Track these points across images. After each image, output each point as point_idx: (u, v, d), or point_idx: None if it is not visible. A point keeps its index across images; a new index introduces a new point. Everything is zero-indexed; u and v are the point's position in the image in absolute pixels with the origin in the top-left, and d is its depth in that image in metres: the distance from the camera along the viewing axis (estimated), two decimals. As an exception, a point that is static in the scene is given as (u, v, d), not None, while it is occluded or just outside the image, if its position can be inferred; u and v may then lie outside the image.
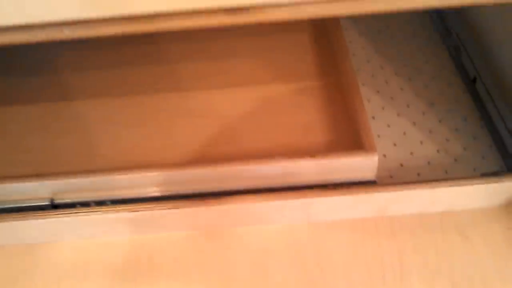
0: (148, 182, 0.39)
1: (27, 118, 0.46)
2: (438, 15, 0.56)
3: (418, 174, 0.43)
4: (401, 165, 0.43)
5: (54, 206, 0.38)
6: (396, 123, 0.47)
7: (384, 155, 0.44)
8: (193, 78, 0.48)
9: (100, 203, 0.39)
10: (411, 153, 0.44)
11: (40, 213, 0.38)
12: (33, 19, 0.25)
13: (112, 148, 0.43)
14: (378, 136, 0.46)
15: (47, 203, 0.38)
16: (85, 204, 0.39)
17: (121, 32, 0.27)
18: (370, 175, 0.39)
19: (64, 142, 0.43)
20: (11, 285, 0.36)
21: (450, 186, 0.38)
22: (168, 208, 0.37)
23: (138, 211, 0.37)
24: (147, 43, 0.51)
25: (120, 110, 0.46)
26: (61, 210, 0.38)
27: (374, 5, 0.27)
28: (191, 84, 0.47)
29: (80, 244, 0.38)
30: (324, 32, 0.52)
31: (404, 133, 0.46)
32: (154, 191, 0.39)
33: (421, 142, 0.45)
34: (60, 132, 0.44)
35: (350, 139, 0.42)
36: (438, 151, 0.44)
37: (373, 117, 0.47)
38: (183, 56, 0.50)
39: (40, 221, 0.38)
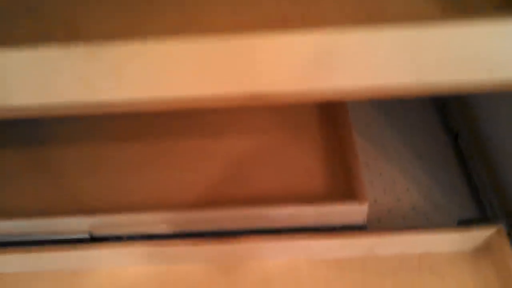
0: (168, 220, 0.46)
1: (67, 159, 0.53)
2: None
3: (403, 219, 0.49)
4: (389, 210, 0.50)
5: (92, 239, 0.46)
6: (387, 172, 0.54)
7: (375, 201, 0.51)
8: (206, 127, 0.55)
9: (131, 237, 0.46)
10: (398, 200, 0.51)
11: (79, 245, 0.45)
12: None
13: (134, 187, 0.50)
14: (371, 182, 0.53)
15: (87, 236, 0.46)
16: (118, 238, 0.46)
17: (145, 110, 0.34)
18: (360, 220, 0.46)
19: (96, 180, 0.51)
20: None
21: (429, 233, 0.45)
22: (189, 245, 0.44)
23: (162, 246, 0.45)
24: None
25: (138, 154, 0.53)
26: (98, 242, 0.45)
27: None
28: (205, 132, 0.55)
29: (114, 272, 0.45)
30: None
31: (394, 181, 0.53)
32: (174, 229, 0.46)
33: (408, 190, 0.52)
34: (92, 172, 0.52)
35: (345, 186, 0.49)
36: (421, 198, 0.51)
37: (367, 165, 0.54)
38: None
39: (80, 252, 0.45)
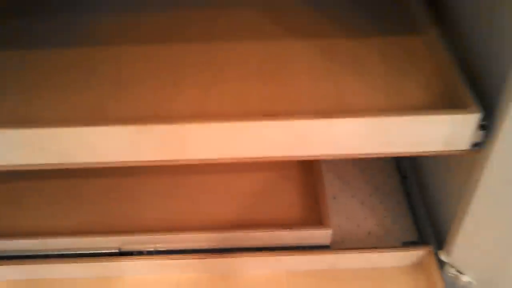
0: (178, 239, 0.60)
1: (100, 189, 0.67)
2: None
3: (360, 241, 0.64)
4: (350, 234, 0.64)
5: (121, 254, 0.59)
6: (350, 203, 0.68)
7: (339, 226, 0.65)
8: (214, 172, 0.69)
9: (150, 252, 0.60)
10: (358, 226, 0.65)
11: (111, 258, 0.58)
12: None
13: (153, 214, 0.64)
14: (337, 211, 0.67)
15: (116, 251, 0.59)
16: (140, 252, 0.60)
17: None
18: (326, 241, 0.60)
19: (123, 208, 0.64)
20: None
21: (378, 252, 0.59)
22: (196, 258, 0.58)
23: (174, 259, 0.58)
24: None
25: (157, 187, 0.67)
26: (125, 256, 0.59)
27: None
28: (211, 172, 0.69)
29: (138, 279, 0.58)
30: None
31: (355, 211, 0.67)
32: (183, 246, 0.60)
33: (365, 218, 0.66)
34: (121, 200, 0.65)
35: (315, 215, 0.63)
36: (376, 225, 0.65)
37: (334, 197, 0.69)
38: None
39: (111, 263, 0.58)
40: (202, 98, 0.48)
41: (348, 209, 0.67)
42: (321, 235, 0.60)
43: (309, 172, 0.68)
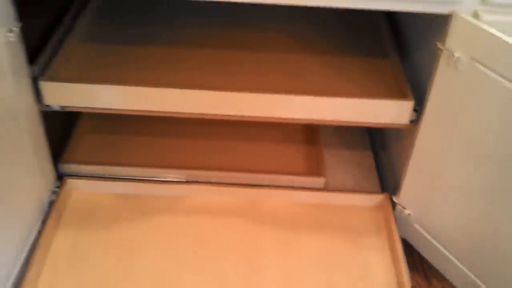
0: (223, 176, 0.92)
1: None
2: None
3: (342, 187, 0.95)
4: (337, 181, 0.96)
5: (187, 182, 0.91)
6: (337, 161, 0.99)
7: (330, 176, 0.97)
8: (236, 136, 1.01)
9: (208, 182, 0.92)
10: (342, 177, 0.97)
11: (180, 184, 0.90)
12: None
13: (208, 156, 0.96)
14: (329, 166, 0.98)
15: (184, 180, 0.91)
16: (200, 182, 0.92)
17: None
18: (320, 185, 0.92)
19: (193, 149, 0.97)
20: (169, 219, 0.88)
21: (353, 193, 0.91)
22: (235, 187, 0.90)
23: (221, 187, 0.90)
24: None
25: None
26: (190, 182, 0.91)
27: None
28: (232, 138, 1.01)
29: (198, 199, 0.90)
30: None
31: (340, 167, 0.98)
32: (226, 180, 0.92)
33: (347, 172, 0.98)
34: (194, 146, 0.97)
35: (314, 168, 0.95)
36: (353, 176, 0.97)
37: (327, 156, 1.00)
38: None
39: (180, 186, 0.90)
40: (251, 80, 0.81)
41: (336, 165, 0.98)
42: (317, 181, 0.92)
43: (312, 138, 1.00)
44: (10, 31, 0.68)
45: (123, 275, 0.78)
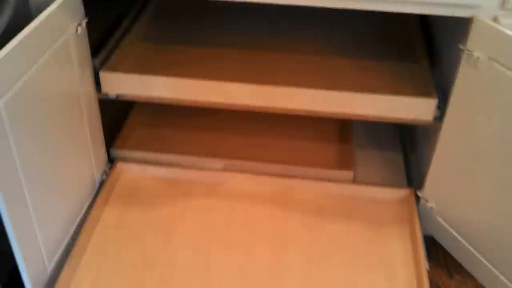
0: (257, 166, 0.99)
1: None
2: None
3: (370, 180, 1.00)
4: (366, 175, 1.01)
5: (224, 169, 0.99)
6: (367, 156, 1.05)
7: (359, 169, 1.02)
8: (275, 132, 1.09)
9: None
10: (371, 170, 1.02)
11: (218, 172, 0.99)
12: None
13: (242, 146, 1.03)
14: (359, 160, 1.04)
15: (222, 167, 0.99)
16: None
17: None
18: (349, 178, 0.98)
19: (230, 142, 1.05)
20: (206, 202, 0.96)
21: (380, 187, 0.96)
22: (267, 176, 0.97)
23: (255, 175, 0.97)
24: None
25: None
26: (227, 171, 0.99)
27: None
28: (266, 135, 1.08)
29: (235, 185, 0.98)
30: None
31: (370, 161, 1.03)
32: (260, 170, 0.99)
33: (376, 166, 1.03)
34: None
35: (344, 161, 1.01)
36: (381, 171, 1.02)
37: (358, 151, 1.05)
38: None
39: (218, 173, 0.98)
40: (288, 77, 0.89)
41: (366, 163, 1.04)
42: (346, 174, 0.98)
43: (344, 137, 1.07)
44: (79, 25, 0.79)
45: (161, 245, 0.87)
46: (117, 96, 0.90)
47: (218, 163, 1.00)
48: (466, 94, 0.76)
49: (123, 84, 0.89)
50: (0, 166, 0.64)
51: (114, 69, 0.90)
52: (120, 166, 1.00)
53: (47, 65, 0.72)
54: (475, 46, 0.72)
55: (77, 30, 0.78)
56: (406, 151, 1.08)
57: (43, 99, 0.73)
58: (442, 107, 0.83)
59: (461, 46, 0.75)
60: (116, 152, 1.03)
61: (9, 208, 0.67)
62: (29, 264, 0.73)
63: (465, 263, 0.89)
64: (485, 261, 0.84)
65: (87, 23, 0.82)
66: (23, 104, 0.67)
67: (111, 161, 1.01)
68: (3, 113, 0.63)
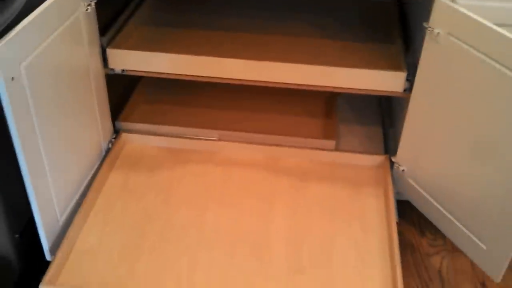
0: (249, 137, 1.10)
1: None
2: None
3: (350, 147, 1.11)
4: (346, 143, 1.12)
5: (219, 140, 1.10)
6: (348, 125, 1.15)
7: (341, 138, 1.13)
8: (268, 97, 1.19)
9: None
10: (350, 139, 1.13)
11: (214, 142, 1.09)
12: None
13: (235, 118, 1.14)
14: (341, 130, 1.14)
15: (216, 138, 1.10)
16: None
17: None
18: (331, 147, 1.08)
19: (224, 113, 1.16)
20: (203, 168, 1.07)
21: (358, 153, 1.07)
22: (257, 145, 1.08)
23: (247, 144, 1.08)
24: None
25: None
26: (222, 140, 1.09)
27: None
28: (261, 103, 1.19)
29: (229, 154, 1.08)
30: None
31: (350, 130, 1.14)
32: (251, 140, 1.10)
33: (354, 135, 1.13)
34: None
35: (327, 131, 1.11)
36: (359, 139, 1.12)
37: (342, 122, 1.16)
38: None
39: (213, 143, 1.09)
40: (277, 55, 0.99)
41: (349, 135, 1.15)
42: (329, 143, 1.08)
43: (328, 112, 1.17)
44: (89, 4, 0.90)
45: (161, 204, 0.97)
46: (122, 71, 1.01)
47: (214, 134, 1.11)
48: (430, 66, 0.87)
49: (128, 60, 0.99)
50: (20, 123, 0.74)
51: (120, 46, 1.01)
52: (124, 136, 1.11)
53: (61, 37, 0.82)
54: (436, 24, 0.83)
55: (87, 9, 0.89)
56: (385, 126, 1.19)
57: (58, 68, 0.83)
58: (411, 80, 0.93)
59: (425, 24, 0.85)
60: (121, 125, 1.13)
61: (29, 163, 0.77)
62: (44, 215, 0.84)
63: (434, 220, 0.99)
64: (451, 217, 0.94)
65: (96, 6, 0.92)
66: (40, 70, 0.78)
67: (117, 132, 1.11)
68: (24, 75, 0.73)
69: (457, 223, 0.92)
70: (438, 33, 0.83)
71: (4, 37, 0.68)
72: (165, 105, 1.20)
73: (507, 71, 0.74)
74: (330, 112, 1.18)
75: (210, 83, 1.01)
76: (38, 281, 0.82)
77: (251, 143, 1.09)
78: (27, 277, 0.91)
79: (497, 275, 0.86)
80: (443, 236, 1.05)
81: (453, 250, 1.05)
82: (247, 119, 1.16)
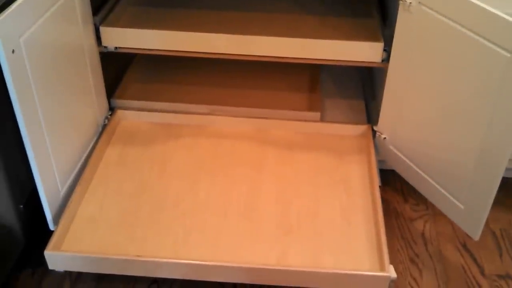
0: (238, 110, 1.15)
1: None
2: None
3: (333, 119, 1.17)
4: (331, 116, 1.17)
5: (209, 114, 1.15)
6: (331, 97, 1.21)
7: (325, 111, 1.18)
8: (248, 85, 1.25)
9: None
10: (333, 110, 1.18)
11: (205, 115, 1.15)
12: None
13: (225, 93, 1.19)
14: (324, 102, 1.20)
15: (207, 111, 1.15)
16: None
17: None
18: (316, 119, 1.14)
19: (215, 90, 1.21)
20: (195, 140, 1.12)
21: (342, 124, 1.13)
22: (245, 118, 1.13)
23: (236, 117, 1.13)
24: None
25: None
26: (212, 115, 1.15)
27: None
28: (245, 85, 1.24)
29: (220, 127, 1.14)
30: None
31: (333, 102, 1.20)
32: (240, 114, 1.16)
33: (338, 107, 1.19)
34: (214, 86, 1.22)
35: (312, 104, 1.17)
36: (342, 109, 1.18)
37: (325, 95, 1.22)
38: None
39: (204, 117, 1.14)
40: (260, 30, 1.05)
41: (333, 108, 1.20)
42: (314, 115, 1.14)
43: (313, 87, 1.23)
44: (82, -15, 0.94)
45: (156, 175, 1.03)
46: (115, 48, 1.06)
47: (204, 108, 1.16)
48: (404, 36, 0.92)
49: (120, 37, 1.04)
50: (20, 94, 0.78)
51: (112, 25, 1.06)
52: (119, 112, 1.16)
53: (56, 15, 0.87)
54: (409, -5, 0.89)
55: (81, -11, 0.94)
56: (367, 98, 1.24)
57: (54, 44, 0.88)
58: (388, 50, 0.99)
59: (398, -4, 0.91)
60: (116, 102, 1.19)
61: (30, 135, 0.82)
62: (46, 187, 0.89)
63: (415, 184, 1.05)
64: (430, 180, 0.99)
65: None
66: (38, 44, 0.83)
67: (112, 109, 1.16)
68: (23, 49, 0.78)
69: (436, 185, 0.98)
70: (410, 3, 0.88)
71: (4, 11, 0.73)
72: (158, 83, 1.25)
73: (476, 37, 0.80)
74: (314, 86, 1.24)
75: (201, 62, 1.07)
76: (42, 250, 0.87)
77: (240, 116, 1.14)
78: (31, 246, 0.96)
79: (476, 234, 0.91)
80: (426, 202, 1.11)
81: (435, 214, 1.11)
82: (236, 95, 1.21)
